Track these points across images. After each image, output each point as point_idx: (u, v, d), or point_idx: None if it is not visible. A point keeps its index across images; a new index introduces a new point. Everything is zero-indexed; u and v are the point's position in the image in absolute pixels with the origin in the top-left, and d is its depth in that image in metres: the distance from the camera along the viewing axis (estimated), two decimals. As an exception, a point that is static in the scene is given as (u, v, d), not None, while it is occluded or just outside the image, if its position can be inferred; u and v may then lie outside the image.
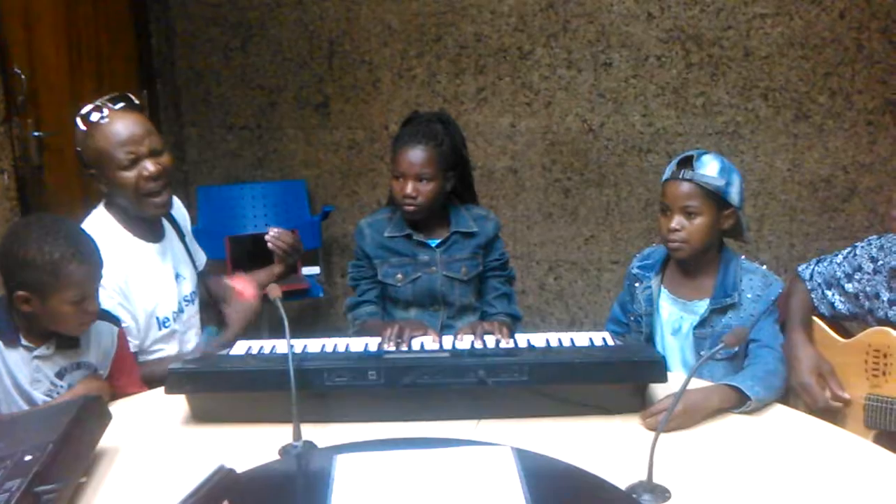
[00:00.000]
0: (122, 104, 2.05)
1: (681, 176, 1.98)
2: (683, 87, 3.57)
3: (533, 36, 3.63)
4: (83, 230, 1.86)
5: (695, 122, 3.60)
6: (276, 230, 2.33)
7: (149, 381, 1.99)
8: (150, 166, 2.03)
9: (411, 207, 2.26)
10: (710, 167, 1.97)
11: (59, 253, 1.72)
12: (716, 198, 1.97)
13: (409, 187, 2.24)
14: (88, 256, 1.78)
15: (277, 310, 1.72)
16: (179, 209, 2.34)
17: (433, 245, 2.35)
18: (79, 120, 2.03)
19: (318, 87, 3.88)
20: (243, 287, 2.26)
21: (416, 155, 2.23)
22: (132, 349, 2.06)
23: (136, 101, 2.10)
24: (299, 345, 1.89)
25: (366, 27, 3.76)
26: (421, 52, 3.74)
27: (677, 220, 1.98)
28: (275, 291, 1.78)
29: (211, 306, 2.40)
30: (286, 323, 1.67)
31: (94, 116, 2.02)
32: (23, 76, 2.90)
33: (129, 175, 2.02)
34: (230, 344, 2.12)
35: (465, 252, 2.36)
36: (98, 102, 2.03)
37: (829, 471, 1.53)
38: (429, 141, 2.24)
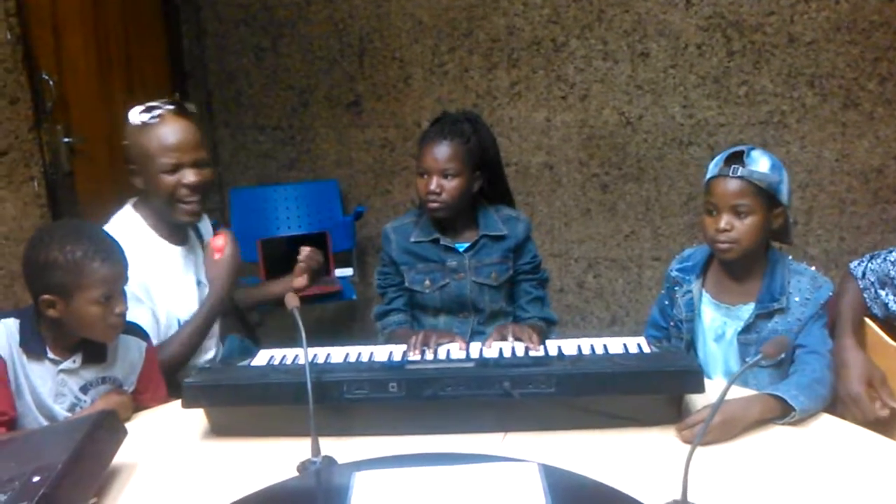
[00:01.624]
0: (177, 109, 2.06)
1: (731, 173, 1.87)
2: (725, 76, 3.44)
3: (567, 27, 3.53)
4: (106, 232, 1.86)
5: (737, 112, 3.47)
6: (308, 250, 2.40)
7: (165, 365, 2.00)
8: (191, 176, 2.04)
9: (435, 205, 2.20)
10: (761, 163, 1.86)
11: (81, 252, 1.72)
12: (767, 196, 1.86)
13: (434, 183, 2.18)
14: (112, 255, 1.77)
15: (301, 319, 1.66)
16: (206, 225, 2.34)
17: (461, 249, 2.28)
18: (131, 115, 2.04)
19: (350, 85, 3.83)
20: (220, 242, 2.21)
21: (440, 151, 2.18)
22: None
23: (192, 110, 2.12)
24: (322, 354, 1.85)
25: (396, 23, 3.70)
26: (452, 48, 3.67)
27: (726, 220, 1.87)
28: (293, 301, 1.73)
29: (235, 316, 2.37)
30: (303, 334, 1.61)
31: (147, 116, 2.03)
32: (51, 81, 2.90)
33: (169, 180, 2.03)
34: (217, 306, 2.17)
35: (494, 256, 2.28)
36: (155, 103, 2.05)
37: (880, 487, 1.42)
38: (454, 137, 2.19)
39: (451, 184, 2.18)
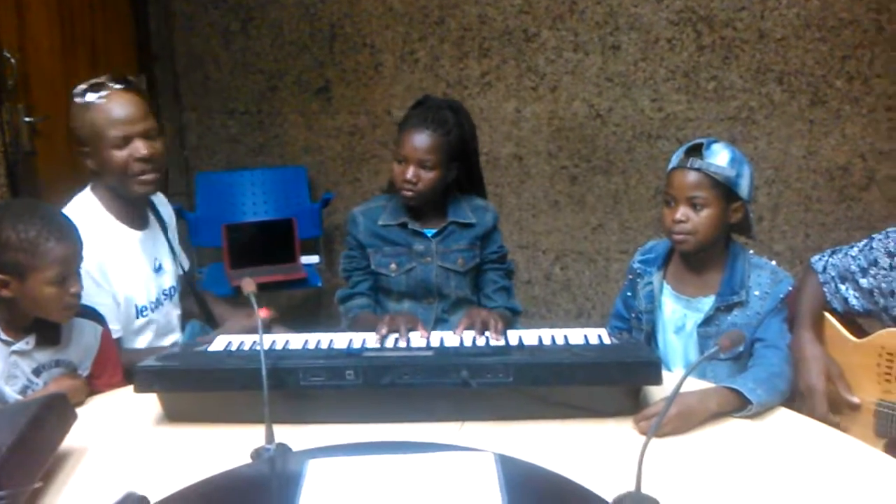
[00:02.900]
0: (121, 84, 2.01)
1: (688, 165, 1.87)
2: (694, 70, 3.45)
3: (538, 18, 3.52)
4: (61, 212, 1.83)
5: (706, 107, 3.48)
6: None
7: (128, 370, 1.93)
8: (142, 148, 2.00)
9: (410, 193, 2.18)
10: (720, 156, 1.86)
11: (35, 231, 1.69)
12: (724, 189, 1.87)
13: (410, 172, 2.16)
14: (66, 235, 1.74)
15: (255, 304, 1.64)
16: (166, 207, 2.31)
17: (429, 235, 2.27)
18: (76, 94, 1.99)
19: (320, 71, 3.79)
20: (265, 315, 2.12)
21: (421, 140, 2.15)
22: (117, 334, 2.01)
23: (135, 82, 2.07)
24: (281, 340, 1.83)
25: (367, 9, 3.66)
26: (424, 35, 3.64)
27: (682, 212, 1.88)
28: (249, 286, 1.70)
29: (195, 301, 2.34)
30: (259, 320, 1.59)
31: (92, 94, 1.98)
32: (13, 60, 2.84)
33: (120, 154, 1.99)
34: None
35: (462, 243, 2.28)
36: (97, 80, 2.00)
37: (835, 481, 1.43)
38: (437, 128, 2.16)
39: (427, 174, 2.17)
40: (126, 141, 1.99)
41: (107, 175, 2.04)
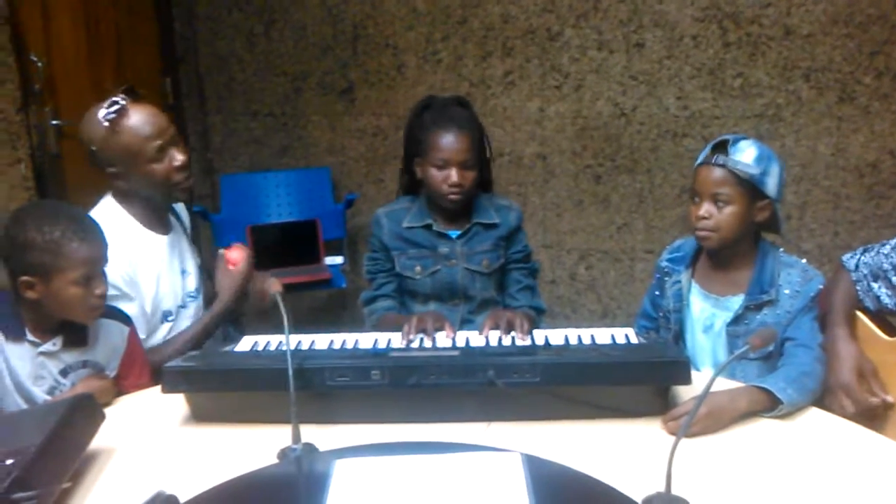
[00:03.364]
0: (134, 97, 2.01)
1: (713, 161, 1.85)
2: (720, 68, 3.42)
3: (562, 16, 3.50)
4: (85, 213, 1.84)
5: (732, 104, 3.45)
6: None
7: (155, 370, 1.94)
8: (179, 156, 2.02)
9: (458, 196, 2.16)
10: (746, 153, 1.84)
11: (59, 232, 1.70)
12: (749, 187, 1.84)
13: (456, 175, 2.13)
14: (91, 235, 1.75)
15: (283, 304, 1.64)
16: (182, 210, 2.31)
17: (453, 236, 2.26)
18: (100, 119, 1.97)
19: (343, 72, 3.80)
20: (236, 255, 2.17)
21: (460, 141, 2.13)
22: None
23: (142, 93, 2.06)
24: (307, 340, 1.83)
25: (390, 10, 3.67)
26: (446, 35, 3.63)
27: (706, 208, 1.86)
28: (275, 286, 1.71)
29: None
30: (286, 319, 1.59)
31: (113, 115, 1.97)
32: (39, 63, 2.87)
33: (161, 167, 2.00)
34: (221, 316, 2.12)
35: (486, 244, 2.26)
36: (114, 99, 1.98)
37: (868, 482, 1.40)
38: (464, 125, 2.16)
39: (470, 174, 2.16)
40: (162, 152, 2.00)
41: (144, 188, 2.04)
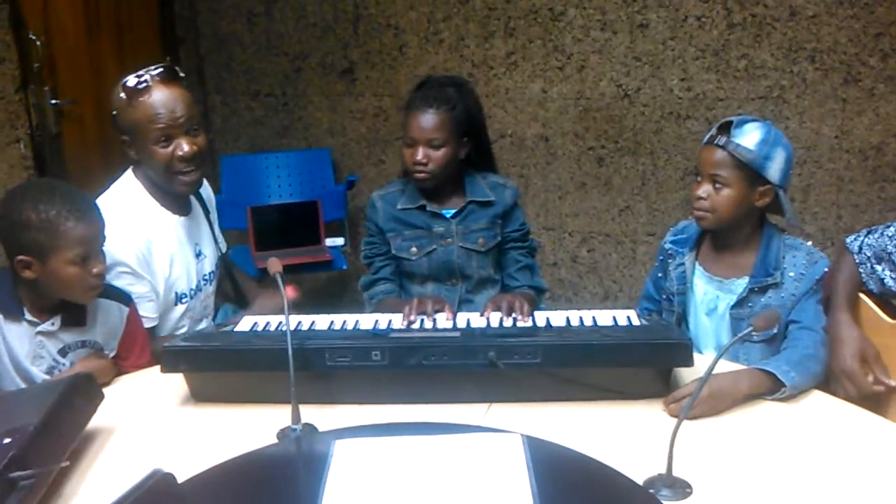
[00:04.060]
0: (166, 76, 1.96)
1: (715, 142, 1.83)
2: (725, 49, 3.38)
3: (565, -4, 3.47)
4: (81, 191, 1.81)
5: (737, 86, 3.41)
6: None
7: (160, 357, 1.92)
8: (185, 146, 1.96)
9: (422, 175, 2.16)
10: (749, 137, 1.81)
11: (54, 211, 1.68)
12: (749, 171, 1.82)
13: (420, 154, 2.13)
14: (87, 214, 1.73)
15: (283, 284, 1.62)
16: (206, 189, 2.27)
17: (448, 216, 2.24)
18: (120, 87, 1.94)
19: (344, 52, 3.77)
20: (291, 295, 2.12)
21: (426, 120, 2.12)
22: (151, 322, 1.99)
23: (181, 74, 2.02)
24: (307, 321, 1.82)
25: (391, -11, 3.63)
26: (448, 15, 3.60)
27: (704, 188, 1.85)
28: (275, 266, 1.69)
29: (230, 285, 2.33)
30: (285, 299, 1.58)
31: (135, 83, 1.93)
32: (38, 42, 2.85)
33: (163, 151, 1.95)
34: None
35: (481, 222, 2.25)
36: (143, 72, 1.94)
37: (870, 465, 1.39)
38: (440, 105, 2.14)
39: (437, 153, 2.14)
40: (169, 138, 1.95)
41: (148, 167, 2.01)
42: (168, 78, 1.96)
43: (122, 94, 1.94)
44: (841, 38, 3.28)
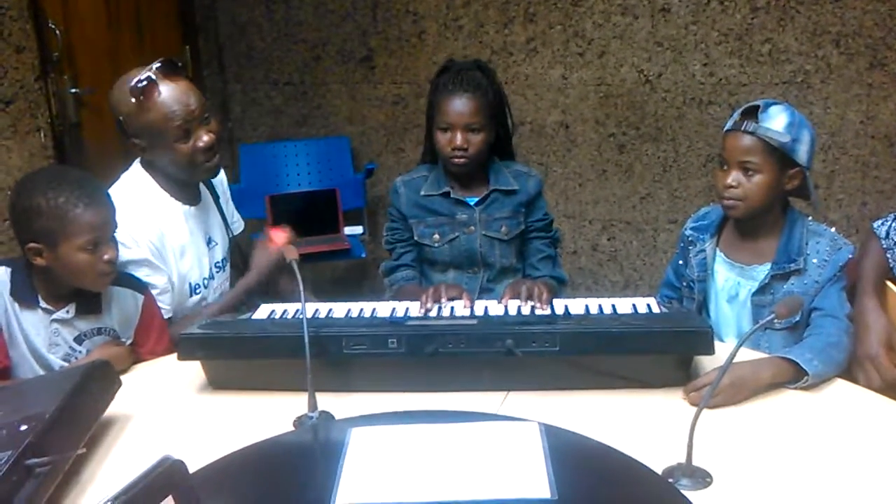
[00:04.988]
0: (169, 71, 1.93)
1: (742, 128, 1.79)
2: (748, 33, 3.33)
3: (586, -19, 3.43)
4: (92, 177, 1.80)
5: (760, 71, 3.37)
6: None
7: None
8: (204, 137, 1.96)
9: (461, 160, 2.14)
10: (776, 120, 1.78)
11: (63, 197, 1.67)
12: (780, 155, 1.78)
13: (459, 138, 2.11)
14: (97, 200, 1.72)
15: (298, 272, 1.62)
16: (220, 177, 2.24)
17: (472, 203, 2.23)
18: (129, 91, 1.90)
19: (362, 40, 3.75)
20: (282, 238, 2.13)
21: (463, 104, 2.11)
22: (167, 315, 1.99)
23: (181, 65, 2.00)
24: (324, 309, 1.82)
25: (410, -24, 3.61)
26: (467, 1, 3.57)
27: (734, 177, 1.81)
28: (291, 253, 1.69)
29: (244, 272, 2.33)
30: (301, 286, 1.57)
31: (143, 84, 1.89)
32: (58, 31, 2.85)
33: (185, 147, 1.95)
34: (249, 290, 2.11)
35: (505, 210, 2.23)
36: (146, 71, 1.91)
37: (893, 455, 1.37)
38: (475, 89, 2.12)
39: (476, 138, 2.13)
40: (188, 133, 1.93)
41: (168, 165, 1.99)
42: (171, 72, 1.94)
43: (131, 98, 1.90)
44: (866, 21, 3.22)
